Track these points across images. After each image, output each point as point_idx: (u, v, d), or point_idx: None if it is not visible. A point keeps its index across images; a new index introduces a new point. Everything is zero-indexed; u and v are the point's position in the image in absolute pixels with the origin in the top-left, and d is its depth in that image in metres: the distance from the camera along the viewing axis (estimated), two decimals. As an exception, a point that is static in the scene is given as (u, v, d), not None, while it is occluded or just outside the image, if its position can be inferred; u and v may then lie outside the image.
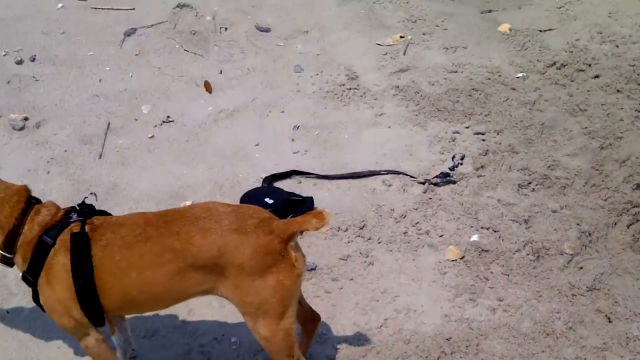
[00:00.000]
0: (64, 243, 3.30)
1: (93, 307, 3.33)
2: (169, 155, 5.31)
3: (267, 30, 6.41)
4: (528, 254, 4.41)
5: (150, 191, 4.96)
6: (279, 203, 4.67)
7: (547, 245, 4.47)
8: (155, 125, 5.57)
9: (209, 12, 6.65)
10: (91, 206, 3.48)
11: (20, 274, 3.41)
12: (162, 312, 4.18)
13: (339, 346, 4.02)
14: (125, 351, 3.91)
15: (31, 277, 3.38)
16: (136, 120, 5.63)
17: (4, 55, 6.18)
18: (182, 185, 5.03)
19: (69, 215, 3.40)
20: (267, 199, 4.69)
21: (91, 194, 4.36)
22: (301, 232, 3.37)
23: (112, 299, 3.32)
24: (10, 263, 3.45)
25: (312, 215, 3.23)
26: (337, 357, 3.94)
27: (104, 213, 3.49)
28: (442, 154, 5.14)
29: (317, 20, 6.50)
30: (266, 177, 5.00)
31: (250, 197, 4.76)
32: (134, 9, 6.71)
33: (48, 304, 3.39)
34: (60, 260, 3.29)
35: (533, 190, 4.87)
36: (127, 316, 3.85)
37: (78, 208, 3.44)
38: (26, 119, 5.60)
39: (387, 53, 6.07)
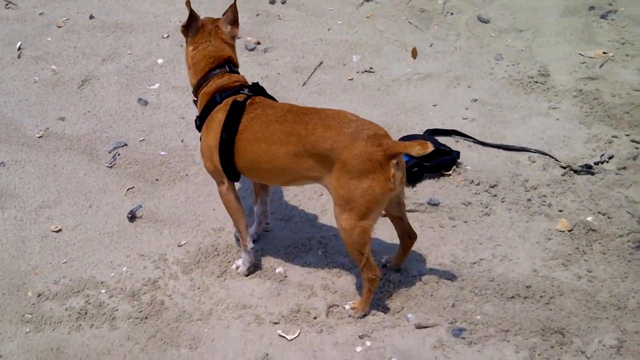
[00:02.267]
0: (226, 105, 4.21)
1: (228, 161, 4.23)
2: (359, 96, 6.16)
3: (486, 22, 7.04)
4: (629, 242, 4.71)
5: (331, 115, 5.86)
6: (430, 148, 5.32)
7: (652, 241, 4.76)
8: (358, 72, 6.44)
9: (442, -3, 7.45)
10: (263, 89, 4.38)
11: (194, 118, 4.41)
12: (301, 205, 5.03)
13: (430, 267, 4.62)
14: (261, 222, 4.81)
15: (199, 122, 4.37)
16: (344, 65, 6.54)
17: (263, -5, 7.40)
18: (358, 118, 5.85)
19: (242, 87, 4.33)
20: None
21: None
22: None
23: (243, 159, 4.17)
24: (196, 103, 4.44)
25: (417, 143, 3.83)
26: (423, 277, 4.54)
27: (269, 97, 4.37)
28: (594, 151, 5.49)
29: (535, 23, 7.01)
30: (428, 129, 5.67)
31: (405, 139, 5.45)
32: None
33: (202, 146, 4.35)
34: (218, 116, 4.22)
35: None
36: (268, 197, 4.75)
37: (252, 86, 4.32)
38: (258, 43, 6.73)
39: (584, 62, 6.47)
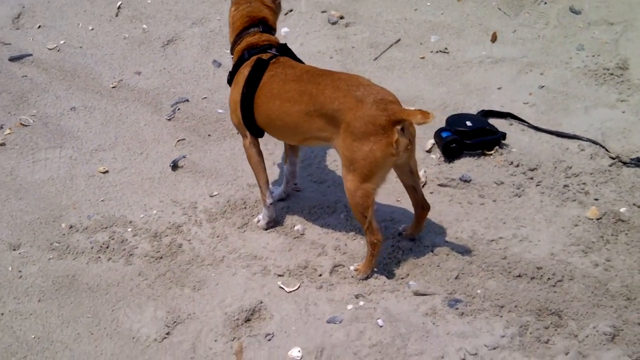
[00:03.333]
0: (252, 62, 4.44)
1: (249, 115, 4.45)
2: (426, 74, 6.23)
3: (577, 12, 6.87)
4: (657, 236, 4.57)
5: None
6: (475, 127, 5.33)
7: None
8: (432, 52, 6.49)
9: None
10: (290, 50, 4.57)
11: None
12: (337, 170, 5.19)
13: (446, 239, 4.67)
14: (288, 181, 5.00)
15: (230, 77, 4.62)
16: (421, 44, 6.61)
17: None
18: (415, 96, 5.94)
19: (270, 46, 4.52)
20: (467, 122, 5.38)
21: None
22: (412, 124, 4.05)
23: (260, 114, 4.40)
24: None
25: (419, 112, 3.92)
26: (436, 248, 4.59)
27: (296, 58, 4.55)
28: (653, 148, 5.33)
29: (629, 17, 6.76)
30: (483, 110, 5.67)
31: (456, 118, 5.48)
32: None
33: (229, 100, 4.60)
34: (244, 72, 4.46)
35: None
36: (298, 160, 4.96)
37: (280, 46, 4.53)
38: (341, 17, 6.91)
39: (670, 61, 6.24)
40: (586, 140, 5.37)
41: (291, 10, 7.11)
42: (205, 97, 6.03)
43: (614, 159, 5.17)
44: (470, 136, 5.27)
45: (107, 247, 4.70)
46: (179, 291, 4.41)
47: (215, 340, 4.09)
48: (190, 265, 4.57)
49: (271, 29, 4.65)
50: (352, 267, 4.47)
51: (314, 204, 4.97)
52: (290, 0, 7.19)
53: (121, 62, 6.51)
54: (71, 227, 4.87)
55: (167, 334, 4.14)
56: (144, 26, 6.96)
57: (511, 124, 5.61)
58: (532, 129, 5.53)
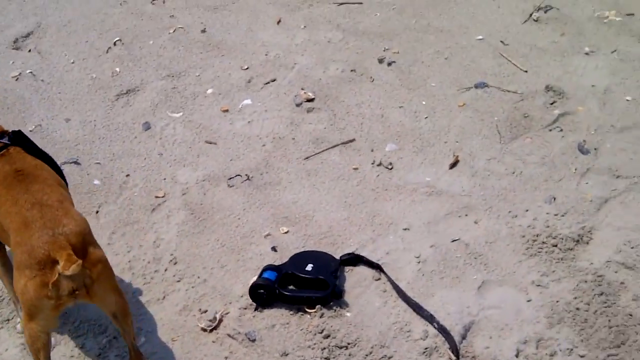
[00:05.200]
0: None
1: None
2: (343, 190, 5.23)
3: (585, 152, 5.49)
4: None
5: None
6: (311, 275, 4.39)
7: None
8: (373, 163, 5.47)
9: None
10: (26, 139, 3.89)
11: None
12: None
13: None
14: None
15: None
16: (372, 151, 5.60)
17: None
18: (305, 215, 5.03)
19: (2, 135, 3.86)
20: (309, 265, 4.45)
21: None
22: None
23: None
24: None
25: (67, 255, 3.19)
26: None
27: (33, 149, 3.88)
28: None
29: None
30: (350, 254, 4.64)
31: (302, 256, 4.57)
32: None
33: None
34: None
35: None
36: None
37: (11, 134, 3.86)
38: (311, 100, 6.13)
39: None
40: (437, 327, 4.16)
41: (274, 80, 6.39)
42: (99, 163, 5.50)
43: (452, 363, 3.97)
44: (298, 284, 4.33)
45: None
46: None
47: None
48: None
49: None
50: None
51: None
52: (278, 70, 6.48)
53: (65, 104, 6.16)
54: None
55: None
56: (117, 69, 6.58)
57: (378, 279, 4.52)
58: (395, 292, 4.41)
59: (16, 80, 6.47)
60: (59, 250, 3.24)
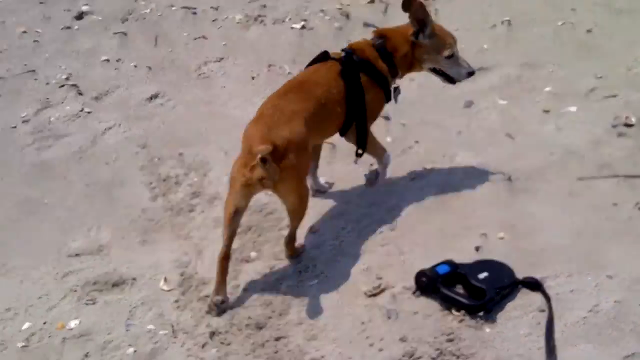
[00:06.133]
0: None
1: None
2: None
3: None
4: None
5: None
6: (483, 283, 4.55)
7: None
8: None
9: None
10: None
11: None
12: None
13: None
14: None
15: None
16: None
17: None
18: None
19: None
20: (483, 274, 4.57)
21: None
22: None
23: None
24: None
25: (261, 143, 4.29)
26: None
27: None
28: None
29: None
30: (531, 278, 4.72)
31: (482, 265, 4.70)
32: None
33: None
34: None
35: None
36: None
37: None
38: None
39: None
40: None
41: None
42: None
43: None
44: (465, 286, 4.57)
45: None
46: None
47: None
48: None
49: None
50: None
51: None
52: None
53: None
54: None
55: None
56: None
57: (543, 310, 4.49)
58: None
59: None
60: (262, 142, 4.18)
